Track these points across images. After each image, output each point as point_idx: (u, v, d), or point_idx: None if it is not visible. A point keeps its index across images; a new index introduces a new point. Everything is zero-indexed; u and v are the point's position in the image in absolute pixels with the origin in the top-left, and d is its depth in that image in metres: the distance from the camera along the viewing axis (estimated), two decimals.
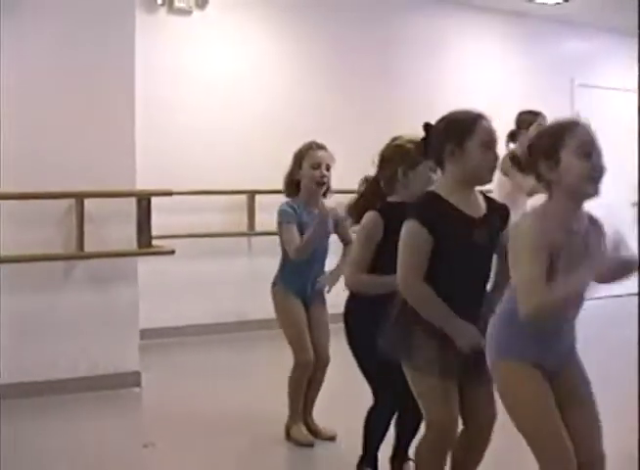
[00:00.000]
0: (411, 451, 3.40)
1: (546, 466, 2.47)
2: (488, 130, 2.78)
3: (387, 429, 3.53)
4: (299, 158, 4.08)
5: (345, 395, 4.64)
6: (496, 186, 5.72)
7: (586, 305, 2.59)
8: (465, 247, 2.75)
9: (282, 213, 4.05)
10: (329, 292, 4.11)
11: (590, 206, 2.53)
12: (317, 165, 4.04)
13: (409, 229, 2.76)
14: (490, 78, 8.27)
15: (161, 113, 6.58)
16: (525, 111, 5.88)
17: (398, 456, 3.60)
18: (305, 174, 4.06)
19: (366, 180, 3.47)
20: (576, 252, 2.45)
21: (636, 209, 8.57)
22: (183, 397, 5.03)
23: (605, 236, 2.58)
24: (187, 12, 6.82)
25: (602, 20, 8.51)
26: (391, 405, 3.44)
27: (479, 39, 8.38)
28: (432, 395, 2.81)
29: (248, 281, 6.68)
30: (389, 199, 3.33)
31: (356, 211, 3.40)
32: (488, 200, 2.90)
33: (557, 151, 2.45)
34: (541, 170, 2.50)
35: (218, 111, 6.91)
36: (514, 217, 2.88)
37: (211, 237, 6.74)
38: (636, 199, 8.66)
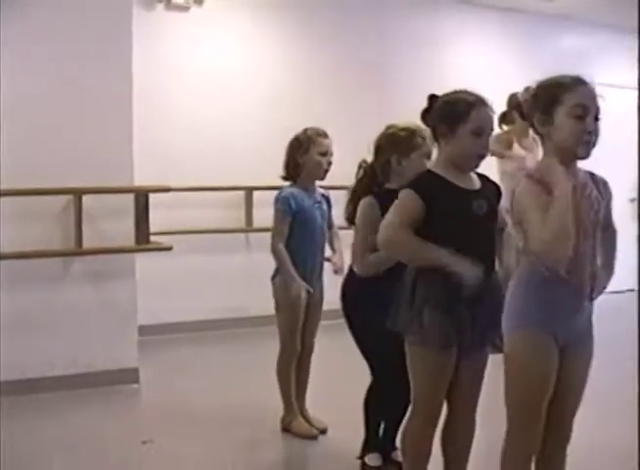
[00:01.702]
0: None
1: (514, 433, 2.57)
2: (483, 118, 2.79)
3: (390, 410, 3.59)
4: (307, 142, 4.08)
5: (338, 387, 4.66)
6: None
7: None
8: (466, 219, 2.77)
9: (284, 202, 4.04)
10: (341, 274, 4.09)
11: None
12: (325, 153, 4.08)
13: (403, 195, 2.78)
14: (488, 74, 8.24)
15: (159, 109, 6.58)
16: (516, 92, 5.90)
17: (386, 444, 3.66)
18: (313, 160, 4.07)
19: (362, 167, 3.51)
20: (577, 200, 2.47)
21: (633, 205, 8.60)
22: (182, 393, 5.03)
23: (609, 191, 2.63)
24: (184, 8, 6.82)
25: (600, 16, 8.51)
26: (390, 383, 3.46)
27: (477, 36, 8.37)
28: (426, 375, 2.83)
29: (246, 277, 6.68)
30: (387, 186, 3.37)
31: (356, 197, 3.43)
32: (481, 176, 2.93)
33: (552, 107, 2.47)
34: (536, 124, 2.53)
35: (216, 107, 6.91)
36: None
37: (209, 233, 6.74)
38: (633, 195, 8.71)
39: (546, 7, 8.28)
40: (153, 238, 5.23)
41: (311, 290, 4.07)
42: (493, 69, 8.34)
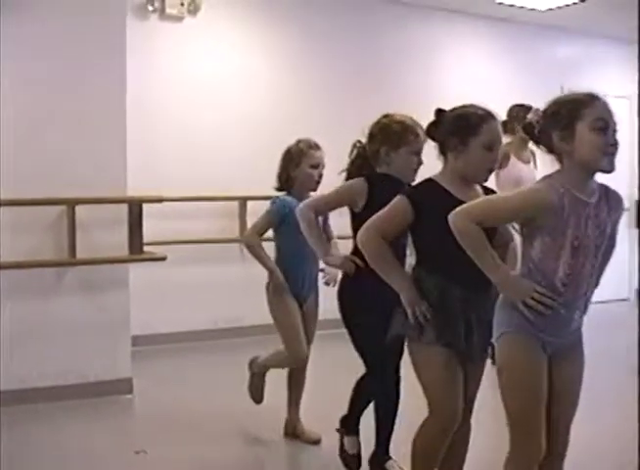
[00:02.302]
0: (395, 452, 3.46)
1: (516, 444, 2.56)
2: (494, 132, 2.82)
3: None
4: (299, 155, 4.10)
5: (333, 397, 4.64)
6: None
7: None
8: None
9: (279, 205, 4.09)
10: (334, 286, 4.08)
11: None
12: (317, 166, 4.10)
13: (397, 201, 2.83)
14: (481, 85, 8.29)
15: (153, 119, 6.59)
16: (518, 104, 5.91)
17: (379, 454, 3.65)
18: (304, 173, 4.10)
19: (357, 148, 3.58)
20: (585, 220, 2.48)
21: (629, 213, 8.61)
22: (175, 403, 5.02)
23: (620, 207, 2.62)
24: (178, 18, 6.83)
25: (592, 26, 8.55)
26: (383, 380, 3.49)
27: (470, 46, 8.42)
28: (433, 374, 2.81)
29: (240, 287, 6.68)
30: (378, 170, 3.43)
31: (349, 178, 3.53)
32: (486, 189, 2.95)
33: (573, 123, 2.48)
34: (554, 141, 2.53)
35: (210, 117, 6.92)
36: None
37: (203, 243, 6.74)
38: (628, 204, 8.73)
39: (540, 17, 8.32)
40: (146, 248, 5.22)
41: (282, 278, 4.08)
42: (489, 79, 8.38)
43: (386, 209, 2.85)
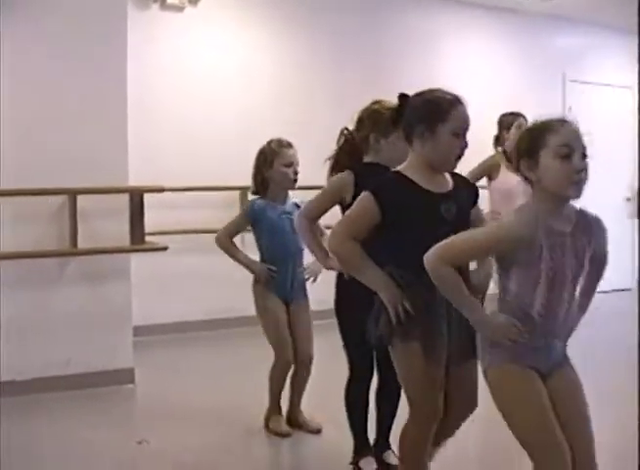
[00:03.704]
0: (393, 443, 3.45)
1: (539, 461, 2.43)
2: (462, 118, 2.75)
3: (367, 405, 3.58)
4: (271, 155, 4.10)
5: (332, 388, 4.66)
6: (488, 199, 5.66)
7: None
8: (432, 222, 2.71)
9: (247, 210, 4.20)
10: (314, 282, 4.08)
11: (584, 201, 2.50)
12: (290, 164, 4.09)
13: (361, 198, 2.76)
14: (482, 74, 8.29)
15: (154, 109, 6.58)
16: (507, 113, 5.82)
17: (379, 444, 3.63)
18: (279, 172, 4.10)
19: (344, 135, 3.50)
20: (561, 250, 2.42)
21: (629, 204, 8.61)
22: (177, 393, 5.03)
23: (602, 230, 2.55)
24: (179, 8, 6.81)
25: (594, 15, 8.53)
26: (367, 376, 3.50)
27: (470, 35, 8.39)
28: (418, 381, 2.76)
29: (241, 277, 6.63)
30: (365, 159, 3.37)
31: (336, 165, 3.46)
32: (455, 176, 2.87)
33: (537, 150, 2.42)
34: (522, 170, 2.48)
35: (211, 107, 6.91)
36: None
37: (204, 233, 6.71)
38: (629, 194, 8.72)
39: (543, 7, 8.30)
40: (148, 238, 5.23)
41: (273, 268, 4.12)
42: (491, 69, 8.37)
43: (352, 209, 2.79)
